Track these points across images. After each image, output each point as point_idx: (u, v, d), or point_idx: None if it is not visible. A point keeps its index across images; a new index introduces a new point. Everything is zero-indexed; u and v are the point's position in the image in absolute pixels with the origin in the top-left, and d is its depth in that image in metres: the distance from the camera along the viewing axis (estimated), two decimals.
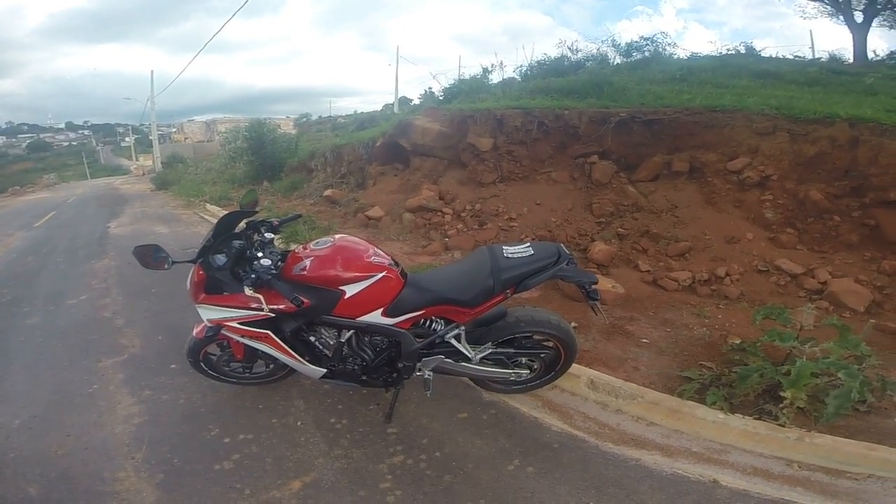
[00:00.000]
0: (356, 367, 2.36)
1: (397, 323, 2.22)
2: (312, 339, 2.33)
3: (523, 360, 2.54)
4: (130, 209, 12.40)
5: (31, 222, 11.57)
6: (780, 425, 2.27)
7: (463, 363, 2.40)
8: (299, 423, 2.54)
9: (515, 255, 2.21)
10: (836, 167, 4.66)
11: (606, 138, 5.98)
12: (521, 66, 10.77)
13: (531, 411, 2.62)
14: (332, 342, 2.33)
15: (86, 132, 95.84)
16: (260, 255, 2.14)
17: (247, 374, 2.76)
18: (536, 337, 2.50)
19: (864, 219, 4.40)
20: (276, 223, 2.47)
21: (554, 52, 10.40)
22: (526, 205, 5.83)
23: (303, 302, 2.02)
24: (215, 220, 8.99)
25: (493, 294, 2.18)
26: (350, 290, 2.13)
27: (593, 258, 4.78)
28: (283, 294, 1.97)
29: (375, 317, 2.19)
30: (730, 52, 11.41)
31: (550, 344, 2.50)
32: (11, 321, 4.39)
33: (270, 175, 12.38)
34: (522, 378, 2.58)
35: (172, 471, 2.25)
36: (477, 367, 2.42)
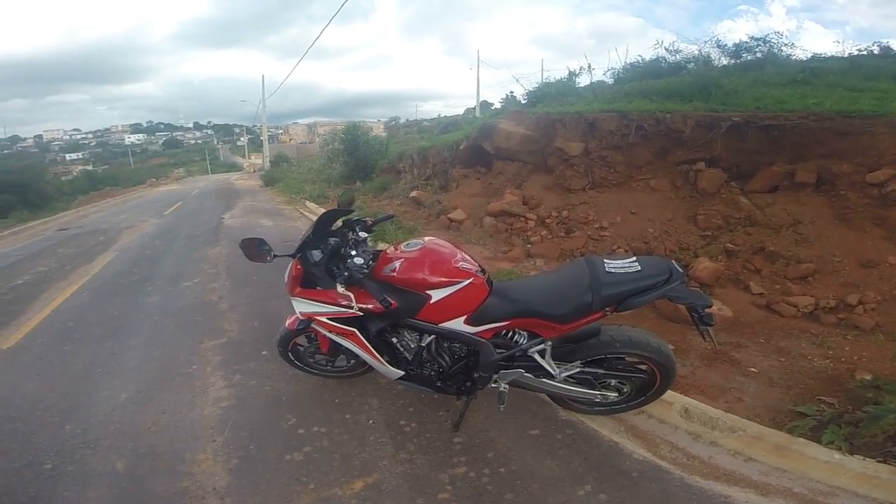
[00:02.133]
0: (432, 373, 2.24)
1: (479, 332, 2.06)
2: (395, 340, 2.25)
3: (613, 381, 2.25)
4: (241, 203, 13.36)
5: (161, 210, 12.95)
6: None
7: (544, 379, 2.16)
8: (371, 422, 2.46)
9: (620, 270, 1.93)
10: None
11: (715, 144, 5.26)
12: (611, 68, 10.03)
13: (612, 435, 2.32)
14: (412, 346, 2.23)
15: (209, 131, 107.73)
16: (354, 253, 2.10)
17: (329, 368, 2.75)
18: (630, 359, 2.20)
19: None
20: (370, 223, 2.42)
21: (648, 54, 9.52)
22: (619, 213, 5.30)
23: (391, 304, 1.94)
24: (313, 217, 9.40)
25: (589, 311, 1.92)
26: (436, 295, 2.01)
27: (696, 276, 4.17)
28: (373, 294, 1.93)
29: (458, 324, 2.04)
30: (861, 53, 9.73)
31: (645, 367, 2.20)
32: (136, 298, 4.76)
33: (363, 175, 12.67)
34: (609, 400, 2.27)
35: (247, 457, 2.25)
36: (560, 384, 2.17)
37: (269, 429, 2.46)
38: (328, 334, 2.30)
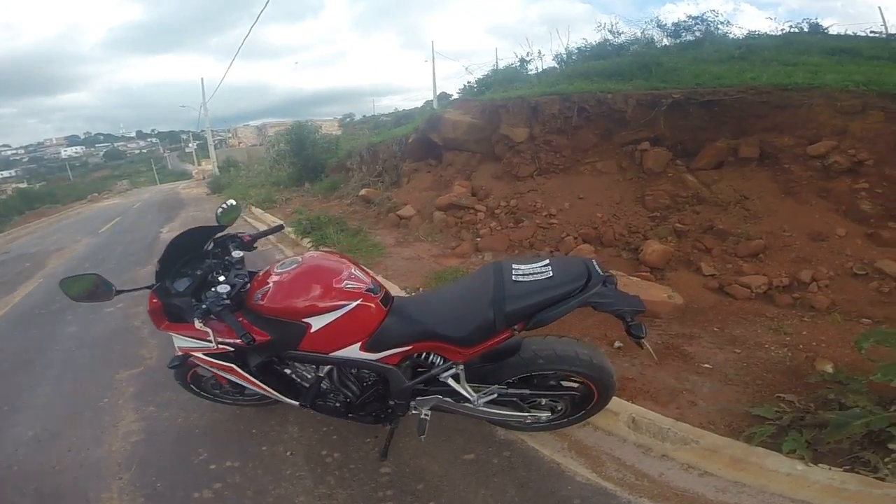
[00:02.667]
0: (338, 404, 1.95)
1: (382, 358, 1.77)
2: (288, 371, 1.96)
3: (543, 401, 1.99)
4: (184, 213, 12.69)
5: (97, 228, 12.09)
6: (878, 478, 1.67)
7: (466, 404, 1.89)
8: (289, 454, 2.24)
9: (527, 279, 1.66)
10: None
11: (658, 123, 5.12)
12: (558, 53, 9.87)
13: (554, 455, 2.10)
14: (309, 376, 1.94)
15: (153, 140, 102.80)
16: (222, 278, 1.77)
17: (239, 396, 2.47)
18: (560, 375, 1.92)
19: None
20: (248, 239, 2.07)
21: (594, 38, 9.42)
22: (567, 199, 5.07)
23: (253, 339, 1.64)
24: (257, 224, 8.85)
25: (493, 331, 1.64)
26: (317, 323, 1.69)
27: (646, 260, 3.99)
28: (234, 329, 1.61)
29: (353, 351, 1.75)
30: (793, 30, 9.97)
31: (578, 382, 1.93)
32: (54, 329, 4.45)
33: (312, 176, 12.13)
34: (541, 421, 2.04)
35: (154, 495, 2.11)
36: (482, 408, 1.90)
37: (179, 464, 2.28)
38: (210, 369, 1.98)
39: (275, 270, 1.80)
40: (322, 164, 12.17)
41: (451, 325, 1.67)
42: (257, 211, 10.52)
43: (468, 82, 11.49)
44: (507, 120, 5.97)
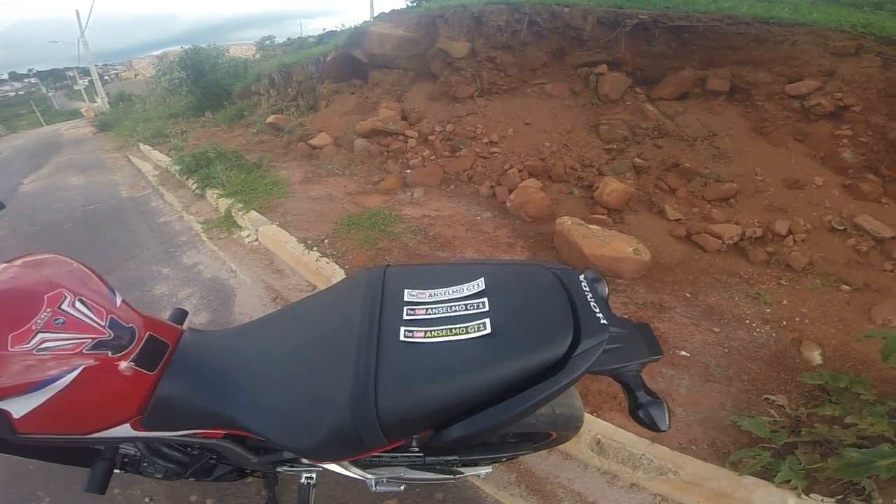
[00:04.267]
0: (159, 475, 1.16)
1: (190, 434, 0.98)
2: None
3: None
4: (58, 158, 10.33)
5: None
6: None
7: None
8: (148, 500, 1.60)
9: (434, 339, 0.84)
10: None
11: (619, 45, 4.36)
12: None
13: (498, 492, 1.57)
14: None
15: (32, 80, 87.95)
16: None
17: None
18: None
19: None
20: None
21: None
22: (512, 125, 4.20)
23: None
24: (142, 164, 7.18)
25: (358, 448, 0.84)
26: (16, 409, 0.85)
27: (603, 200, 3.29)
28: None
29: (124, 431, 0.95)
30: None
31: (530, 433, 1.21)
32: None
33: (215, 105, 10.29)
34: (482, 476, 1.45)
35: None
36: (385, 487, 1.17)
37: None
38: None
39: None
40: (227, 92, 10.40)
41: (281, 425, 0.86)
42: (145, 148, 8.68)
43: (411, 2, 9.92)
44: (446, 32, 4.90)
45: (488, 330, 0.80)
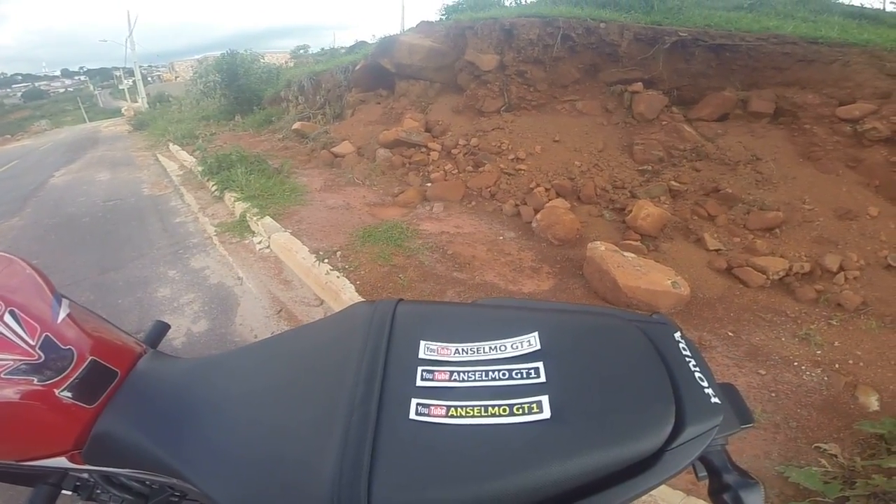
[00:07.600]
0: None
1: (137, 471, 0.78)
2: None
3: None
4: (92, 153, 10.57)
5: None
6: None
7: None
8: None
9: (463, 420, 0.53)
10: None
11: (656, 63, 4.11)
12: None
13: None
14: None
15: (82, 77, 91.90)
16: None
17: None
18: None
19: None
20: None
21: None
22: (540, 142, 3.97)
23: None
24: (170, 163, 7.27)
25: None
26: None
27: (636, 225, 3.03)
28: None
29: (62, 462, 0.77)
30: None
31: None
32: None
33: (246, 109, 10.39)
34: None
35: None
36: None
37: None
38: None
39: None
40: (259, 97, 10.47)
41: (234, 490, 0.60)
42: (174, 148, 8.77)
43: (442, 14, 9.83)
44: (475, 44, 4.72)
45: (546, 413, 0.51)
